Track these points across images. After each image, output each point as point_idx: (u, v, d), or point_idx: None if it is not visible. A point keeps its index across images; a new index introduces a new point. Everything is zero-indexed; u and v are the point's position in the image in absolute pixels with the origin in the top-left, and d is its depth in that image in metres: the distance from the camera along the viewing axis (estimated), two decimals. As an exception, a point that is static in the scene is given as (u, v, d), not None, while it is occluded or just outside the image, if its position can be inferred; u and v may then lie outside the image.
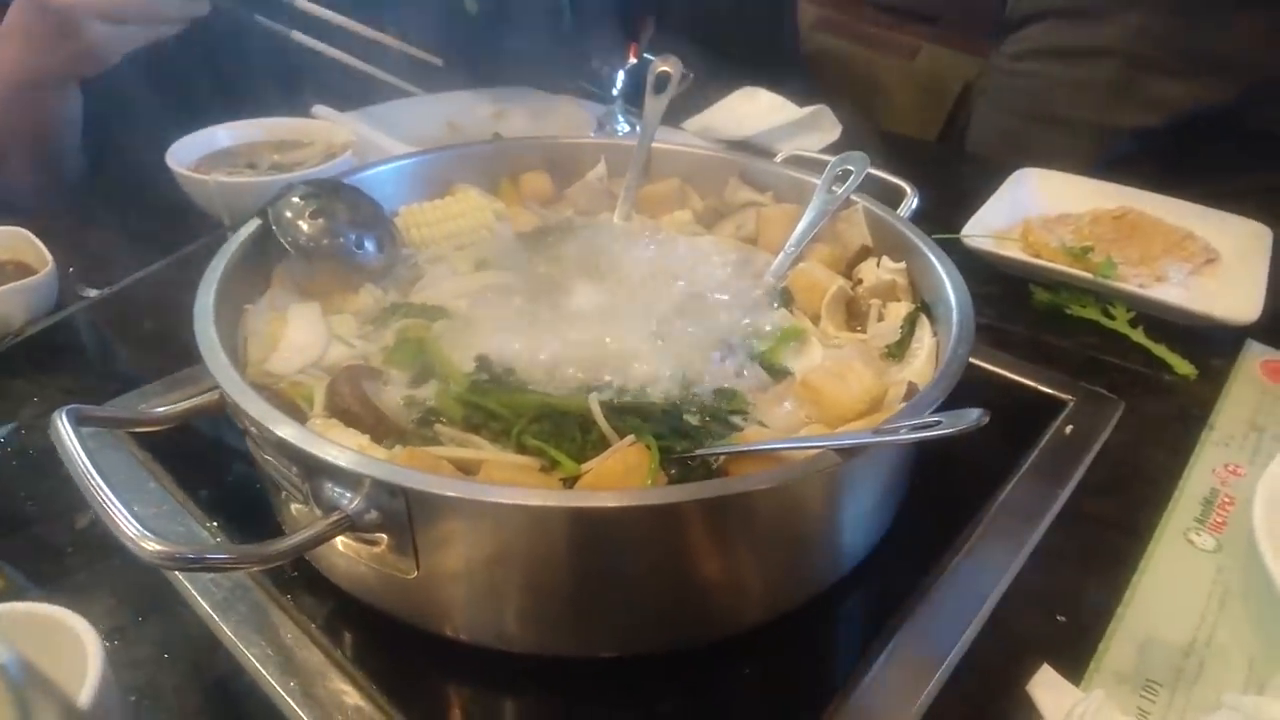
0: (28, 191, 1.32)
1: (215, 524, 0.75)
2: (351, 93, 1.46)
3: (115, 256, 1.08)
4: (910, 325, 0.79)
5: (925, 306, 0.82)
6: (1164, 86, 1.47)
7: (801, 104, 1.62)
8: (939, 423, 0.53)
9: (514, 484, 0.59)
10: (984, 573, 0.71)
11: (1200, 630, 0.68)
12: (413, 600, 0.63)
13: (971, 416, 0.52)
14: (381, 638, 0.66)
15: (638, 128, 1.56)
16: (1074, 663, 0.65)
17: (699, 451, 0.63)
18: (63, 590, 0.69)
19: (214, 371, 0.62)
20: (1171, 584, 0.72)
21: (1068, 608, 0.70)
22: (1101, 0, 1.47)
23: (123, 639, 0.65)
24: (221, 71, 1.42)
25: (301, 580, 0.69)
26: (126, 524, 0.52)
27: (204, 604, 0.66)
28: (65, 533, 0.74)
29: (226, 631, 0.64)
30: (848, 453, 0.56)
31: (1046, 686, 0.62)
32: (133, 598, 0.68)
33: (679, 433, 0.66)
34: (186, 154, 1.18)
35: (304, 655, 0.63)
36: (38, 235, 1.02)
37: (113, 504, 0.53)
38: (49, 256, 0.99)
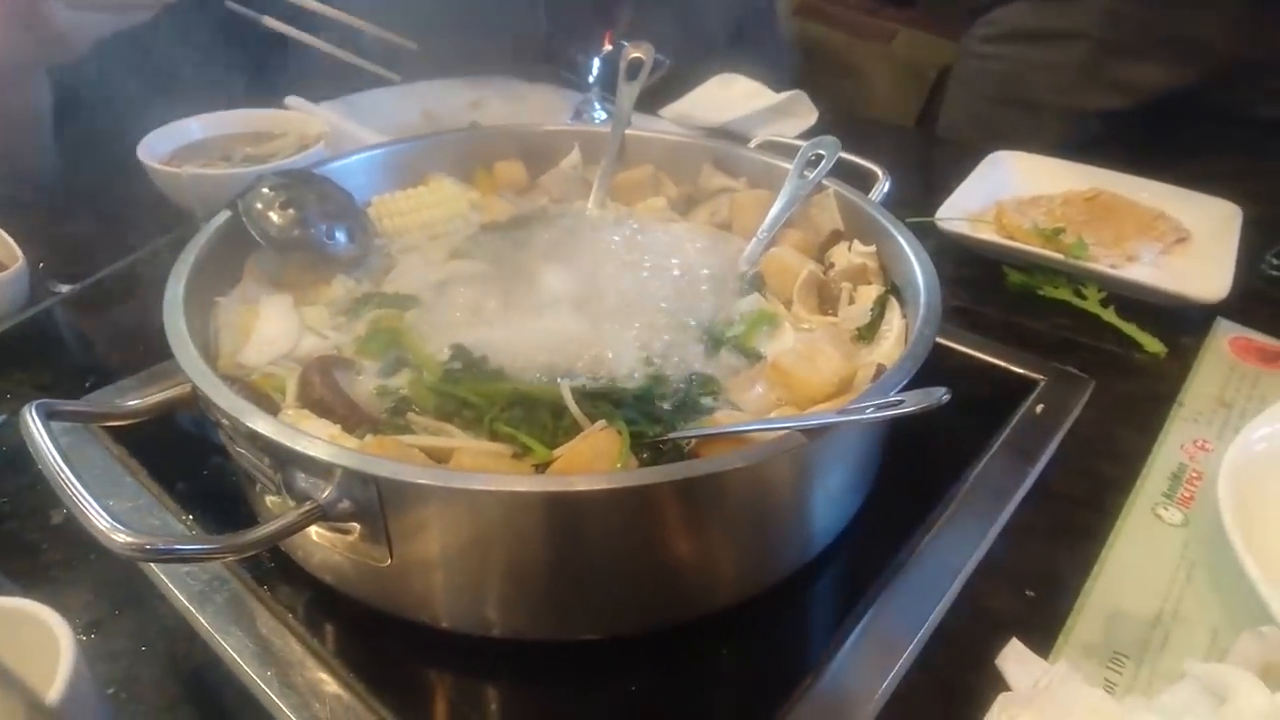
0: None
1: (191, 517, 0.75)
2: (326, 83, 1.45)
3: (86, 251, 1.07)
4: (880, 308, 0.80)
5: (895, 289, 0.82)
6: (1133, 69, 1.48)
7: (779, 89, 1.63)
8: (902, 401, 0.54)
9: (484, 470, 0.59)
10: (955, 550, 0.72)
11: (1167, 603, 0.70)
12: (387, 588, 0.63)
13: (934, 395, 0.53)
14: (359, 626, 0.66)
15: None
16: (1043, 636, 0.66)
17: (670, 435, 0.63)
18: (39, 586, 0.69)
19: (183, 364, 0.62)
20: (1139, 558, 0.74)
21: (1037, 583, 0.71)
22: None
23: (100, 632, 0.65)
24: (194, 62, 1.41)
25: (278, 571, 0.69)
26: (98, 517, 0.52)
27: (180, 596, 0.66)
28: (41, 529, 0.74)
29: (203, 623, 0.64)
30: (814, 433, 0.57)
31: (1015, 660, 0.63)
32: (109, 591, 0.68)
33: (651, 417, 0.66)
34: (159, 146, 1.17)
35: (281, 645, 0.63)
36: (6, 230, 1.01)
37: (83, 497, 0.54)
38: (19, 252, 0.98)
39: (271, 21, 1.36)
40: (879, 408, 0.55)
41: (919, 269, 0.76)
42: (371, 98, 1.48)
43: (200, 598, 0.66)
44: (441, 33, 1.63)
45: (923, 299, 0.71)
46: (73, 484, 0.54)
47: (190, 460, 0.81)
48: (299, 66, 1.43)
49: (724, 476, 0.55)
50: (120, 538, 0.51)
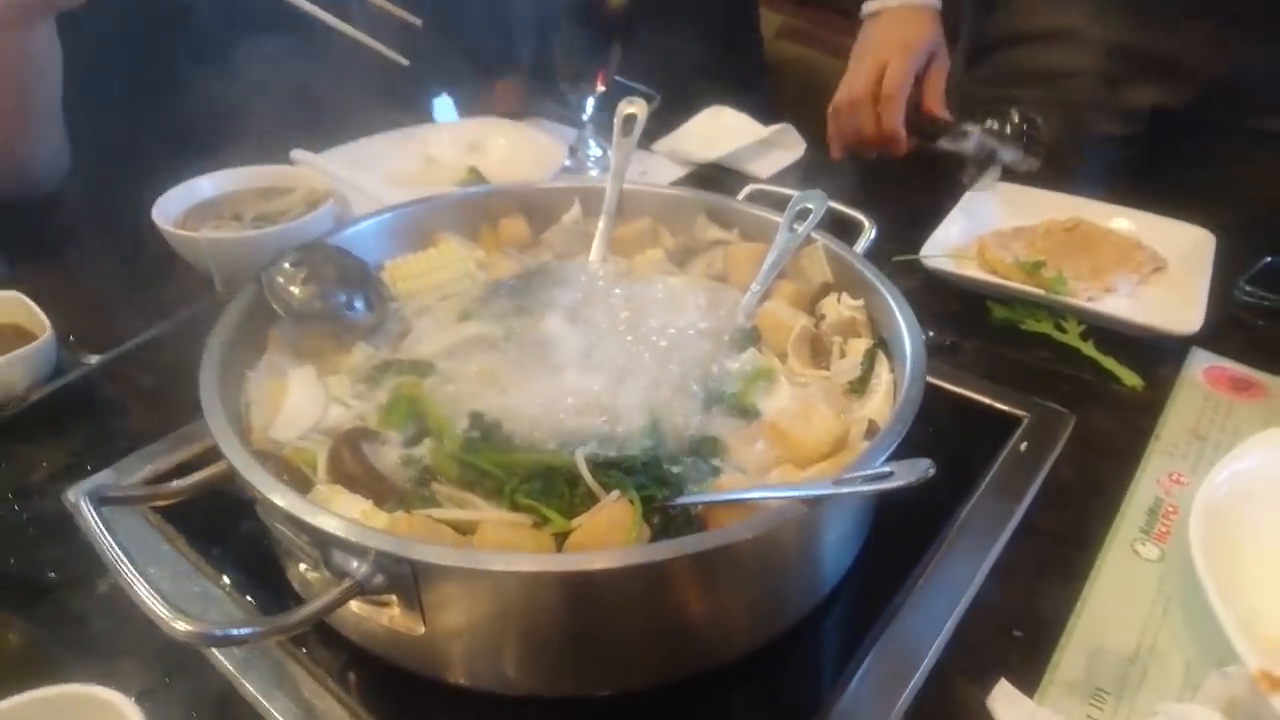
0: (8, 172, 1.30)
1: (228, 581, 0.79)
2: (327, 130, 1.50)
3: (108, 315, 1.12)
4: (869, 361, 0.85)
5: (883, 342, 0.87)
6: (1131, 96, 1.53)
7: (767, 116, 1.68)
8: (892, 474, 0.59)
9: (509, 545, 0.64)
10: (946, 592, 0.77)
11: (1144, 637, 0.75)
12: (420, 653, 0.68)
13: (920, 468, 0.58)
14: (392, 686, 0.71)
15: (608, 151, 1.62)
16: (1030, 675, 0.71)
17: (678, 500, 0.68)
18: (91, 656, 0.73)
19: (227, 454, 0.66)
20: (1118, 594, 0.79)
21: (1024, 622, 0.76)
22: (1069, 19, 1.52)
23: (153, 700, 0.69)
24: (201, 116, 1.45)
25: (316, 634, 0.74)
26: (159, 605, 0.57)
27: (226, 663, 0.71)
28: (87, 599, 0.78)
29: (249, 688, 0.69)
30: (813, 501, 0.62)
31: (1004, 700, 0.68)
32: (158, 660, 0.72)
33: (660, 481, 0.71)
34: (172, 207, 1.21)
35: (323, 707, 0.68)
36: (30, 295, 1.05)
37: (142, 585, 0.58)
38: (46, 322, 1.02)
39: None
40: (869, 479, 0.60)
41: (905, 328, 0.81)
42: (372, 144, 1.53)
43: (244, 664, 0.71)
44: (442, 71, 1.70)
45: (909, 363, 0.76)
46: (131, 573, 0.59)
47: (223, 525, 0.85)
48: (299, 118, 1.47)
49: (732, 547, 0.59)
50: (182, 626, 0.55)
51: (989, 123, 1.35)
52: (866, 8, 1.49)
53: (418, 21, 1.48)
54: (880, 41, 1.42)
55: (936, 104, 1.41)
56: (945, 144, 1.37)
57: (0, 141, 1.26)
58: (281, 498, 0.63)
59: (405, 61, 1.53)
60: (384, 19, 1.48)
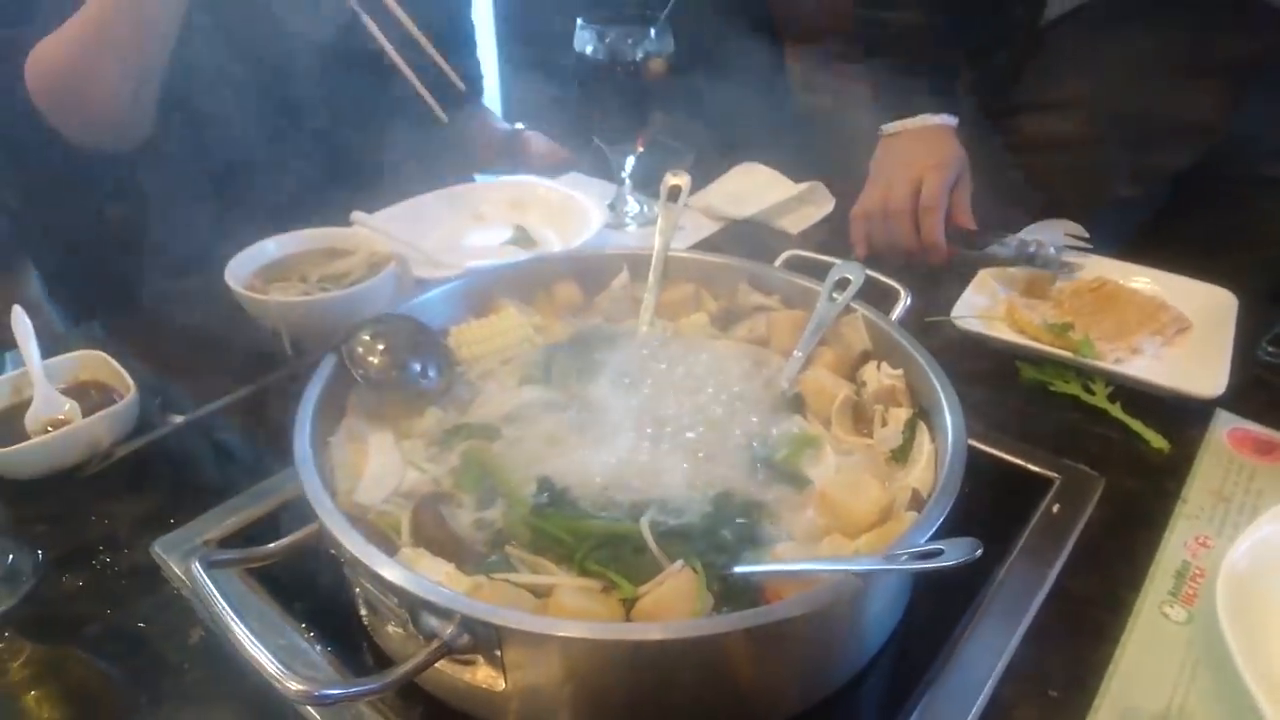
0: (107, 130, 1.37)
1: (312, 634, 0.85)
2: (382, 190, 1.57)
3: (186, 371, 1.19)
4: (910, 431, 0.90)
5: (923, 412, 0.92)
6: (1144, 158, 1.59)
7: (797, 165, 1.76)
8: (941, 553, 0.64)
9: (583, 609, 0.70)
10: (984, 656, 0.81)
11: (1175, 699, 0.79)
12: (496, 706, 0.73)
13: (968, 548, 0.63)
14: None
15: (645, 208, 1.69)
16: (1066, 737, 0.76)
17: (739, 569, 0.73)
18: (187, 707, 0.79)
19: (325, 521, 0.72)
20: (1149, 657, 0.83)
21: (1059, 684, 0.80)
22: (1079, 89, 1.58)
23: (249, 750, 0.75)
24: (263, 178, 1.53)
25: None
26: (271, 664, 0.63)
27: (315, 714, 0.76)
28: (181, 649, 0.84)
29: (337, 739, 0.75)
30: (866, 575, 0.67)
31: (1042, 760, 0.73)
32: (250, 710, 0.78)
33: (718, 548, 0.77)
34: (242, 269, 1.28)
35: (404, 757, 0.73)
36: (111, 354, 1.13)
37: (255, 645, 0.64)
38: (130, 381, 1.09)
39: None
40: (920, 556, 0.65)
41: (945, 403, 0.86)
42: (422, 203, 1.60)
43: (332, 714, 0.76)
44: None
45: (950, 439, 0.81)
46: (246, 634, 0.65)
47: (302, 577, 0.89)
48: (353, 180, 1.55)
49: (792, 619, 0.65)
50: (294, 686, 0.61)
51: (1031, 228, 1.42)
52: (887, 128, 1.54)
53: (461, 85, 1.56)
54: (912, 157, 1.48)
55: (965, 217, 1.46)
56: (986, 251, 1.42)
57: (101, 71, 1.34)
58: (376, 563, 0.69)
59: (444, 120, 1.61)
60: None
